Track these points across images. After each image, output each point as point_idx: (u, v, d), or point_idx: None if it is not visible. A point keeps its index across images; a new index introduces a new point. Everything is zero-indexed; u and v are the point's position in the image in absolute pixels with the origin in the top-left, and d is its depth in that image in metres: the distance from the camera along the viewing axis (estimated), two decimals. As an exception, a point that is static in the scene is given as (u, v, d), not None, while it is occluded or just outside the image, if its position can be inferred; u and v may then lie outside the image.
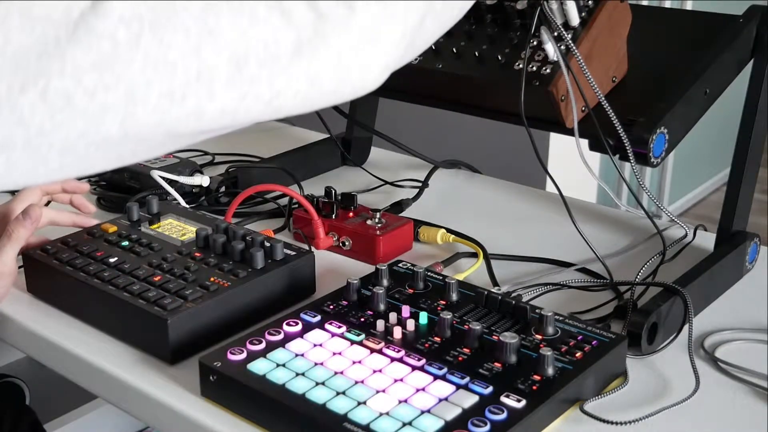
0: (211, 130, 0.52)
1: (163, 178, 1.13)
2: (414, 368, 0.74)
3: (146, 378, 0.81)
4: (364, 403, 0.70)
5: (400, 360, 0.76)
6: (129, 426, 1.48)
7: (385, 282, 0.88)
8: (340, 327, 0.81)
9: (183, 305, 0.82)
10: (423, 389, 0.72)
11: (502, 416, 0.68)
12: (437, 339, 0.78)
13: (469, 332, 0.77)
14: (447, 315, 0.79)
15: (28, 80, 0.45)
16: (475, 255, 1.04)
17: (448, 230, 1.07)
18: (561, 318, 0.81)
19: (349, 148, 1.34)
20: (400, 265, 0.92)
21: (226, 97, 0.50)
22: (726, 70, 0.94)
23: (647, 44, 1.01)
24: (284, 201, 1.16)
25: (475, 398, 0.70)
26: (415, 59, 0.97)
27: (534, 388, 0.71)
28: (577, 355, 0.75)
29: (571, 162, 1.05)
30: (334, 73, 0.52)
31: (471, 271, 1.00)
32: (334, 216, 1.06)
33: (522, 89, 0.92)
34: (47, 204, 1.07)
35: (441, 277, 0.89)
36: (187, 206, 1.09)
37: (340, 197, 1.08)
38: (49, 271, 0.92)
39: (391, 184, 1.27)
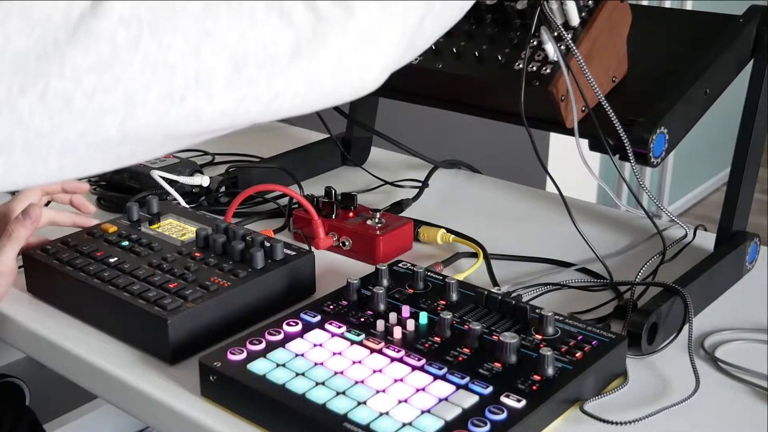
0: (210, 131, 0.52)
1: (163, 178, 1.13)
2: (414, 368, 0.74)
3: (146, 378, 0.81)
4: (364, 403, 0.70)
5: (400, 360, 0.76)
6: (129, 426, 1.48)
7: (385, 282, 0.88)
8: (340, 327, 0.81)
9: (183, 305, 0.82)
10: (423, 389, 0.72)
11: (502, 416, 0.68)
12: (437, 339, 0.78)
13: (469, 332, 0.77)
14: (447, 315, 0.79)
15: (28, 82, 0.45)
16: (475, 255, 1.04)
17: (448, 230, 1.07)
18: (561, 318, 0.81)
19: (349, 148, 1.34)
20: (400, 265, 0.92)
21: (225, 99, 0.50)
22: (726, 70, 0.94)
23: (647, 44, 1.01)
24: (284, 201, 1.16)
25: (475, 398, 0.70)
26: (415, 59, 0.97)
27: (534, 388, 0.71)
28: (577, 355, 0.75)
29: (571, 162, 1.05)
30: (333, 75, 0.52)
31: (471, 271, 1.00)
32: (334, 216, 1.06)
33: (522, 89, 0.92)
34: (47, 204, 1.07)
35: (441, 277, 0.89)
36: (187, 206, 1.09)
37: (340, 197, 1.08)
38: (49, 271, 0.92)
39: (391, 184, 1.27)
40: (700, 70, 0.92)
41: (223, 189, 1.19)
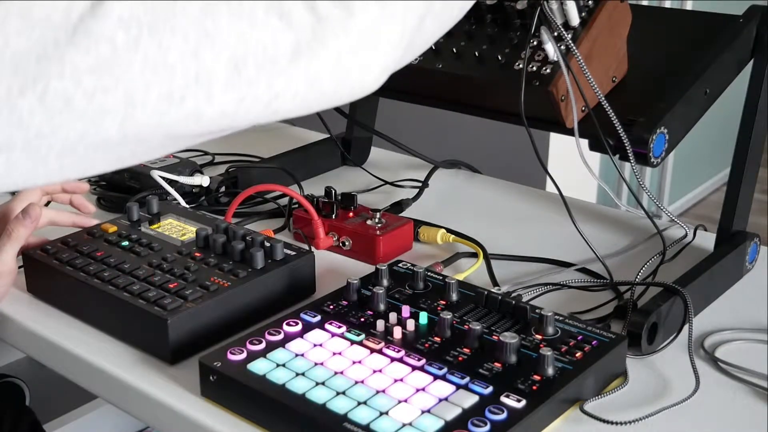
0: (210, 132, 0.52)
1: (163, 178, 1.13)
2: (414, 368, 0.74)
3: (146, 378, 0.81)
4: (364, 403, 0.70)
5: (400, 360, 0.76)
6: (129, 426, 1.48)
7: (385, 282, 0.88)
8: (340, 327, 0.81)
9: (183, 305, 0.82)
10: (423, 389, 0.72)
11: (502, 416, 0.68)
12: (437, 339, 0.78)
13: (469, 332, 0.77)
14: (447, 315, 0.79)
15: (27, 82, 0.46)
16: (475, 255, 1.04)
17: (448, 230, 1.07)
18: (561, 318, 0.81)
19: (349, 148, 1.34)
20: (400, 265, 0.92)
21: (224, 100, 0.50)
22: (726, 70, 0.94)
23: (647, 44, 1.01)
24: (284, 201, 1.16)
25: (475, 398, 0.70)
26: (415, 59, 0.97)
27: (534, 388, 0.71)
28: (577, 355, 0.75)
29: (571, 162, 1.05)
30: (332, 75, 0.52)
31: (471, 271, 1.00)
32: (334, 216, 1.06)
33: (522, 89, 0.92)
34: (47, 204, 1.07)
35: (441, 277, 0.89)
36: (187, 206, 1.09)
37: (340, 197, 1.08)
38: (49, 271, 0.92)
39: (391, 184, 1.27)
40: (700, 70, 0.92)
41: (223, 189, 1.19)
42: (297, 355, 0.77)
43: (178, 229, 0.99)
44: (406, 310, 0.82)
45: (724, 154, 2.49)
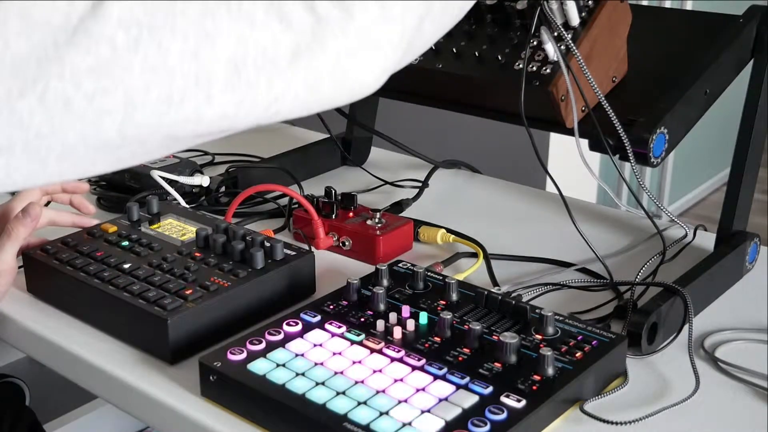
0: (209, 133, 0.52)
1: (163, 178, 1.13)
2: (414, 368, 0.74)
3: (146, 378, 0.81)
4: (364, 403, 0.70)
5: (400, 360, 0.76)
6: (129, 426, 1.48)
7: (385, 282, 0.88)
8: (340, 327, 0.81)
9: (183, 305, 0.82)
10: (423, 389, 0.72)
11: (502, 416, 0.68)
12: (437, 339, 0.78)
13: (469, 332, 0.77)
14: (447, 315, 0.79)
15: (27, 84, 0.46)
16: (475, 255, 1.04)
17: (448, 230, 1.07)
18: (561, 318, 0.81)
19: (349, 148, 1.34)
20: (400, 265, 0.92)
21: (224, 102, 0.50)
22: (726, 70, 0.94)
23: (647, 44, 1.01)
24: (284, 201, 1.16)
25: (475, 398, 0.70)
26: (415, 59, 0.97)
27: (534, 388, 0.71)
28: (577, 355, 0.75)
29: (571, 162, 1.05)
30: (332, 77, 0.52)
31: (471, 271, 1.00)
32: (334, 216, 1.06)
33: (522, 89, 0.92)
34: (47, 204, 1.07)
35: (441, 277, 0.89)
36: (187, 206, 1.09)
37: (340, 197, 1.08)
38: (49, 271, 0.92)
39: (391, 184, 1.27)
40: (700, 70, 0.92)
41: (223, 189, 1.20)
42: (297, 355, 0.77)
43: (178, 229, 0.99)
44: (406, 310, 0.82)
45: (724, 154, 2.50)
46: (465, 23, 1.01)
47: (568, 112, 0.94)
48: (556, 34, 0.91)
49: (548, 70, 0.93)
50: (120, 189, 1.20)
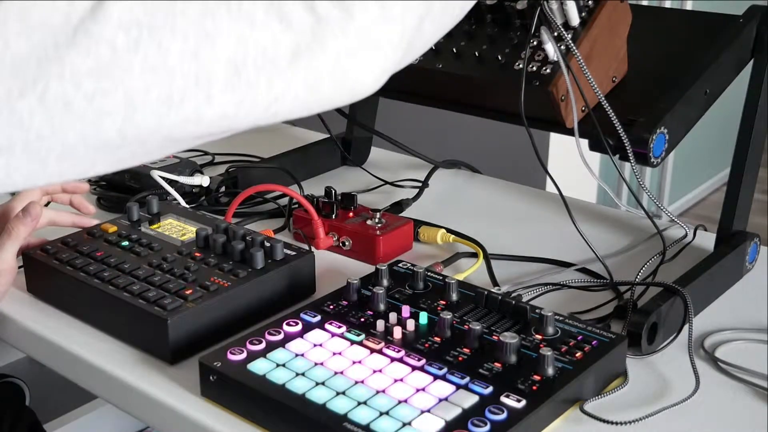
0: (209, 133, 0.52)
1: (163, 178, 1.13)
2: (414, 368, 0.74)
3: (146, 378, 0.81)
4: (364, 403, 0.70)
5: (400, 360, 0.76)
6: (129, 426, 1.48)
7: (385, 282, 0.88)
8: (340, 327, 0.81)
9: (183, 305, 0.82)
10: (423, 389, 0.72)
11: (502, 416, 0.68)
12: (437, 339, 0.78)
13: (469, 332, 0.77)
14: (447, 315, 0.79)
15: (27, 85, 0.46)
16: (475, 255, 1.04)
17: (448, 230, 1.07)
18: (561, 318, 0.81)
19: (349, 148, 1.34)
20: (400, 265, 0.92)
21: (224, 102, 0.49)
22: (726, 70, 0.94)
23: (647, 44, 1.01)
24: (284, 201, 1.16)
25: (475, 398, 0.70)
26: (415, 59, 0.97)
27: (534, 388, 0.71)
28: (577, 355, 0.75)
29: (571, 162, 1.05)
30: (332, 78, 0.52)
31: (471, 271, 1.00)
32: (334, 216, 1.06)
33: (522, 89, 0.92)
34: (47, 204, 1.07)
35: (441, 277, 0.89)
36: (187, 206, 1.09)
37: (340, 197, 1.08)
38: (49, 271, 0.92)
39: (391, 184, 1.27)
40: (700, 70, 0.92)
41: (223, 189, 1.20)
42: (297, 355, 0.77)
43: (178, 229, 0.99)
44: (406, 310, 0.82)
45: (724, 154, 2.50)
46: (465, 23, 1.01)
47: (568, 112, 0.94)
48: (556, 34, 0.91)
49: (548, 70, 0.93)
50: (120, 189, 1.20)
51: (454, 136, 2.44)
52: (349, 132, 1.34)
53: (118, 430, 1.47)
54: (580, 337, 0.78)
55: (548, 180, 1.02)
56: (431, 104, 1.09)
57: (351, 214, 1.07)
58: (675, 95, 0.90)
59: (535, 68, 0.94)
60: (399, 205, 1.17)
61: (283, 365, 0.75)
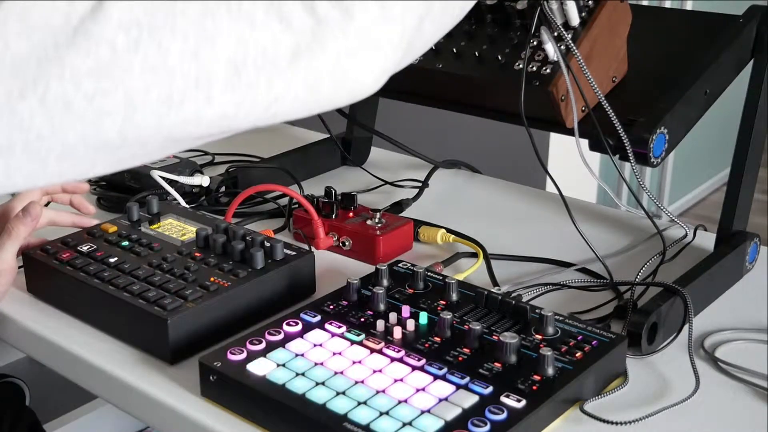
0: (209, 134, 0.52)
1: (163, 178, 1.13)
2: (414, 368, 0.74)
3: (146, 378, 0.81)
4: (364, 403, 0.70)
5: (400, 360, 0.76)
6: (129, 426, 1.48)
7: (385, 282, 0.88)
8: (340, 327, 0.81)
9: (183, 305, 0.82)
10: (423, 389, 0.72)
11: (502, 416, 0.68)
12: (437, 339, 0.78)
13: (469, 332, 0.77)
14: (447, 315, 0.79)
15: (28, 85, 0.46)
16: (475, 255, 1.04)
17: (448, 230, 1.07)
18: (561, 318, 0.81)
19: (349, 148, 1.34)
20: (400, 265, 0.92)
21: (224, 102, 0.49)
22: (726, 70, 0.94)
23: (647, 44, 1.01)
24: (284, 201, 1.16)
25: (475, 398, 0.70)
26: (415, 59, 0.97)
27: (534, 388, 0.71)
28: (577, 355, 0.75)
29: (571, 162, 1.05)
30: (332, 78, 0.52)
31: (471, 271, 1.00)
32: (334, 216, 1.06)
33: (522, 89, 0.92)
34: (47, 204, 1.07)
35: (441, 277, 0.89)
36: (187, 206, 1.09)
37: (340, 197, 1.08)
38: (49, 271, 0.92)
39: (391, 184, 1.27)
40: (700, 70, 0.92)
41: (223, 189, 1.20)
42: (297, 355, 0.77)
43: (178, 229, 0.99)
44: (406, 310, 0.82)
45: (724, 154, 2.49)
46: (465, 23, 1.01)
47: (568, 112, 0.94)
48: (556, 34, 0.91)
49: (548, 70, 0.93)
50: (120, 189, 1.20)
51: (454, 136, 2.44)
52: (349, 132, 1.34)
53: (118, 430, 1.47)
54: (580, 337, 0.78)
55: (548, 180, 1.02)
56: (431, 104, 1.09)
57: (351, 214, 1.07)
58: (675, 95, 0.90)
59: (535, 68, 0.94)
60: (399, 205, 1.17)
61: (283, 365, 0.75)
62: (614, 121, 0.88)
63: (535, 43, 0.94)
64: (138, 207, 1.02)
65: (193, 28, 0.48)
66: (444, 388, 0.71)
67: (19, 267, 0.95)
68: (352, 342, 0.79)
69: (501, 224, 1.15)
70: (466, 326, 0.78)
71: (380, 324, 0.80)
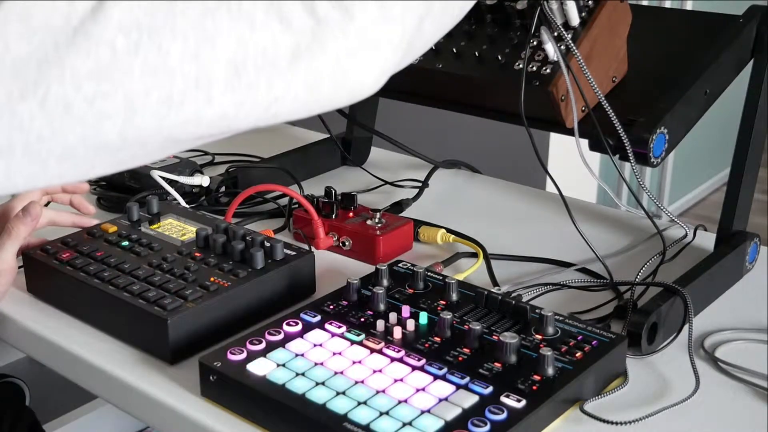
0: (209, 135, 0.52)
1: (163, 178, 1.13)
2: (414, 368, 0.74)
3: (146, 378, 0.81)
4: (364, 403, 0.70)
5: (400, 360, 0.76)
6: (129, 426, 1.48)
7: (385, 282, 0.88)
8: (340, 327, 0.81)
9: (183, 305, 0.82)
10: (423, 389, 0.72)
11: (502, 416, 0.68)
12: (437, 339, 0.78)
13: (469, 332, 0.77)
14: (447, 315, 0.79)
15: (28, 87, 0.46)
16: (475, 255, 1.04)
17: (448, 230, 1.07)
18: (561, 318, 0.81)
19: (349, 148, 1.34)
20: (400, 265, 0.92)
21: (224, 103, 0.49)
22: (726, 70, 0.94)
23: (647, 44, 1.01)
24: (284, 201, 1.16)
25: (475, 398, 0.70)
26: (416, 59, 0.97)
27: (534, 388, 0.71)
28: (577, 355, 0.75)
29: (571, 162, 1.05)
30: (332, 79, 0.52)
31: (471, 271, 1.00)
32: (334, 216, 1.06)
33: (522, 89, 0.92)
34: (47, 204, 1.07)
35: (441, 277, 0.89)
36: (187, 206, 1.09)
37: (340, 197, 1.08)
38: (49, 271, 0.92)
39: (391, 184, 1.27)
40: (700, 70, 0.92)
41: (223, 189, 1.20)
42: (297, 355, 0.77)
43: (178, 229, 0.99)
44: (406, 310, 0.82)
45: (724, 154, 2.50)
46: (465, 23, 1.01)
47: (568, 112, 0.94)
48: (556, 34, 0.91)
49: (548, 70, 0.93)
50: (120, 189, 1.20)
51: (454, 136, 2.44)
52: (349, 132, 1.34)
53: (118, 430, 1.47)
54: (580, 337, 0.78)
55: (548, 180, 1.02)
56: (431, 104, 1.09)
57: (351, 214, 1.07)
58: (675, 95, 0.90)
59: (535, 68, 0.94)
60: (399, 205, 1.17)
61: (283, 365, 0.75)
62: (614, 121, 0.88)
63: (535, 43, 0.94)
64: (138, 207, 1.02)
65: (193, 28, 0.48)
66: (444, 388, 0.71)
67: (19, 267, 0.95)
68: (352, 342, 0.79)
69: (501, 224, 1.15)
70: (466, 326, 0.78)
71: (380, 324, 0.80)
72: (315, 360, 0.76)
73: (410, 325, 0.80)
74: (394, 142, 1.23)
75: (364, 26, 0.52)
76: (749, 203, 1.00)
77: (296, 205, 1.11)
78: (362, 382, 0.73)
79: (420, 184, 1.25)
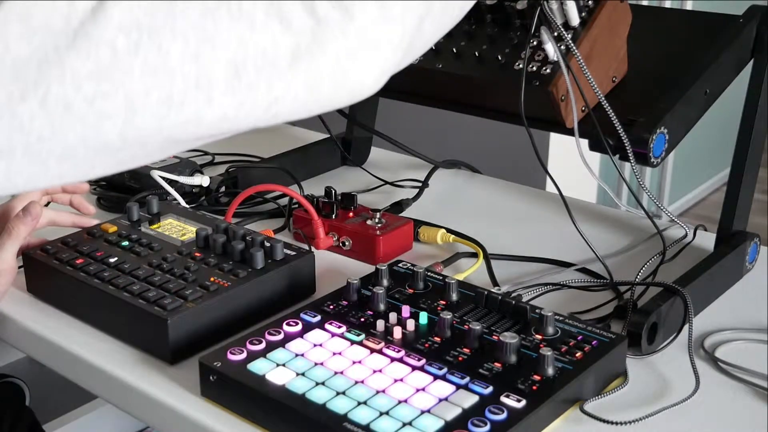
0: (209, 135, 0.52)
1: (163, 178, 1.13)
2: (414, 368, 0.74)
3: (146, 378, 0.81)
4: (364, 403, 0.70)
5: (400, 360, 0.76)
6: (129, 426, 1.48)
7: (385, 282, 0.88)
8: (340, 327, 0.81)
9: (183, 305, 0.82)
10: (423, 389, 0.72)
11: (502, 416, 0.68)
12: (437, 339, 0.78)
13: (469, 332, 0.77)
14: (447, 315, 0.79)
15: (28, 88, 0.46)
16: (475, 255, 1.04)
17: (448, 230, 1.07)
18: (561, 318, 0.81)
19: (349, 148, 1.34)
20: (400, 265, 0.92)
21: (224, 104, 0.49)
22: (726, 70, 0.94)
23: (647, 44, 1.01)
24: (284, 201, 1.16)
25: (475, 398, 0.70)
26: (416, 59, 0.97)
27: (534, 388, 0.71)
28: (577, 355, 0.75)
29: (571, 162, 1.05)
30: (332, 79, 0.52)
31: (471, 271, 1.00)
32: (334, 216, 1.06)
33: (522, 89, 0.92)
34: (47, 204, 1.07)
35: (441, 277, 0.89)
36: (187, 206, 1.09)
37: (340, 197, 1.08)
38: (49, 271, 0.92)
39: (391, 184, 1.27)
40: (700, 70, 0.92)
41: (223, 189, 1.20)
42: (297, 355, 0.77)
43: (178, 229, 0.99)
44: (406, 310, 0.82)
45: (724, 154, 2.50)
46: (465, 23, 1.01)
47: (568, 112, 0.94)
48: (556, 34, 0.91)
49: (548, 70, 0.93)
50: (120, 189, 1.20)
51: (454, 136, 2.44)
52: (349, 132, 1.34)
53: (118, 430, 1.47)
54: (580, 337, 0.78)
55: (548, 180, 1.02)
56: (431, 104, 1.09)
57: (351, 214, 1.07)
58: (675, 95, 0.90)
59: (535, 68, 0.94)
60: (399, 205, 1.17)
61: (283, 365, 0.75)
62: (614, 121, 0.88)
63: (535, 43, 0.94)
64: (138, 207, 1.02)
65: (193, 28, 0.48)
66: (444, 388, 0.71)
67: (19, 267, 0.95)
68: (352, 342, 0.79)
69: (501, 224, 1.15)
70: (466, 326, 0.78)
71: (380, 324, 0.80)
72: (315, 360, 0.76)
73: (410, 325, 0.80)
74: (394, 142, 1.23)
75: (364, 26, 0.52)
76: (749, 203, 1.00)
77: (296, 205, 1.11)
78: (362, 382, 0.73)
79: (420, 184, 1.25)
